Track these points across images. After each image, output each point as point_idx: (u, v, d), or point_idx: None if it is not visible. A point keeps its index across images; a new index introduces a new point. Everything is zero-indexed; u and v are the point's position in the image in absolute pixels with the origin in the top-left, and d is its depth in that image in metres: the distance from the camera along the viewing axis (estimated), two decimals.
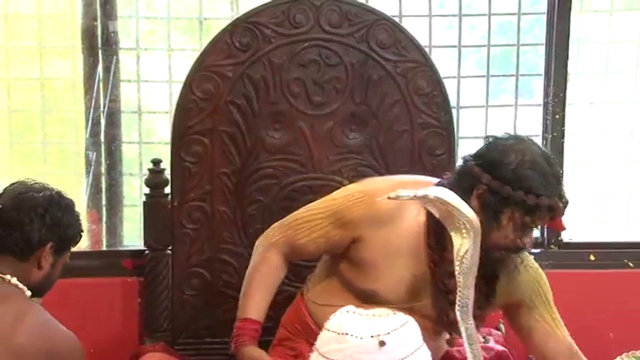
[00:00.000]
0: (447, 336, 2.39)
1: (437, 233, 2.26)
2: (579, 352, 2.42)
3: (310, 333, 2.44)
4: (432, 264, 2.30)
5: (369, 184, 2.41)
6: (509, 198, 2.16)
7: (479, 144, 3.21)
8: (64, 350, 2.07)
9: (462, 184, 2.22)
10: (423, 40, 3.01)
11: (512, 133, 2.39)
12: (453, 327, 2.28)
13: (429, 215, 2.24)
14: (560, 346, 2.40)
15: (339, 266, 2.42)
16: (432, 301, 2.33)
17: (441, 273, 2.29)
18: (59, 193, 2.20)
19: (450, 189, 2.17)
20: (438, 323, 2.34)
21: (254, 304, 2.43)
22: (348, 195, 2.39)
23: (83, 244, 3.17)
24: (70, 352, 2.08)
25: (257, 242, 2.51)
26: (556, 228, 2.28)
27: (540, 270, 2.43)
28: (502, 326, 2.78)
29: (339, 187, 2.54)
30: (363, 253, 2.34)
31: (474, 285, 2.15)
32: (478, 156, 2.26)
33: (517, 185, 2.16)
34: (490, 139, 2.29)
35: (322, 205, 2.42)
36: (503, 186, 2.16)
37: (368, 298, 2.32)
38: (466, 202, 2.12)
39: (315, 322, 2.43)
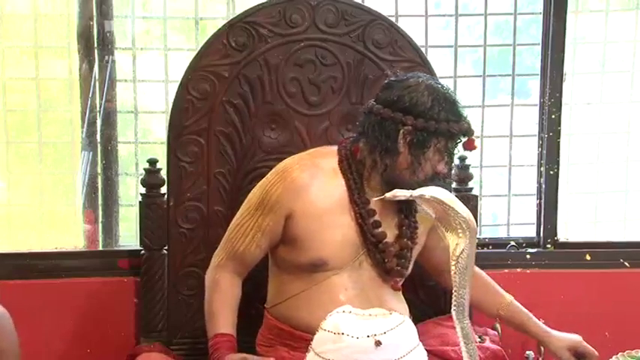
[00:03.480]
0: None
1: (359, 189, 2.45)
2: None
3: (283, 335, 2.49)
4: (360, 219, 2.44)
5: (279, 165, 2.51)
6: (436, 131, 2.36)
7: (476, 144, 3.24)
8: None
9: (386, 131, 2.39)
10: (419, 40, 3.02)
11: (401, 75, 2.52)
12: (391, 273, 2.48)
13: (345, 173, 2.45)
14: None
15: (280, 256, 2.49)
16: (366, 251, 2.47)
17: (368, 226, 2.44)
18: None
19: (372, 142, 2.40)
20: (380, 272, 2.49)
21: (220, 322, 2.47)
22: (263, 183, 2.50)
23: (79, 244, 3.19)
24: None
25: (206, 273, 2.57)
26: (471, 147, 2.45)
27: None
28: (498, 326, 2.78)
29: None
30: (298, 225, 2.43)
31: (398, 222, 2.47)
32: (390, 103, 2.40)
33: (439, 118, 2.36)
34: (387, 85, 2.45)
35: (245, 207, 2.52)
36: (427, 122, 2.36)
37: (318, 269, 2.43)
38: (393, 146, 2.37)
39: (284, 322, 2.49)
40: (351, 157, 2.48)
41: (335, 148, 2.54)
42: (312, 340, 2.17)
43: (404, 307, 2.53)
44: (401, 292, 2.55)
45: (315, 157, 2.51)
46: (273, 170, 2.51)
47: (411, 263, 2.54)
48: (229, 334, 2.45)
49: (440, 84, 2.44)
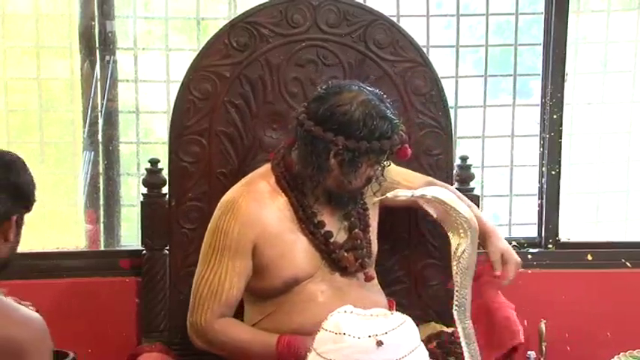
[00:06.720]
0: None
1: (302, 205, 2.46)
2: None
3: None
4: (310, 234, 2.47)
5: (222, 205, 2.49)
6: (367, 150, 2.34)
7: (477, 144, 3.25)
8: (20, 339, 1.76)
9: (317, 150, 2.37)
10: (420, 40, 3.02)
11: (332, 84, 2.50)
12: (356, 273, 2.50)
13: (286, 190, 2.46)
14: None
15: (252, 287, 2.49)
16: (326, 259, 2.49)
17: (320, 239, 2.47)
18: (15, 157, 1.95)
19: (303, 157, 2.38)
20: (344, 272, 2.50)
21: (264, 335, 2.44)
22: (213, 230, 2.47)
23: (81, 244, 3.19)
24: (29, 340, 1.78)
25: (196, 340, 2.50)
26: (404, 156, 2.45)
27: None
28: None
29: None
30: (263, 254, 2.44)
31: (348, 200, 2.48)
32: (321, 120, 2.36)
33: (371, 137, 2.33)
34: (319, 97, 2.40)
35: (205, 259, 2.48)
36: (359, 142, 2.33)
37: (291, 286, 2.45)
38: (324, 165, 2.34)
39: None
40: (287, 173, 2.48)
41: (267, 166, 2.53)
42: None
43: (381, 296, 2.56)
44: (376, 280, 2.58)
45: (252, 184, 2.50)
46: (218, 213, 2.49)
47: (373, 243, 2.56)
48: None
49: (372, 96, 2.38)
